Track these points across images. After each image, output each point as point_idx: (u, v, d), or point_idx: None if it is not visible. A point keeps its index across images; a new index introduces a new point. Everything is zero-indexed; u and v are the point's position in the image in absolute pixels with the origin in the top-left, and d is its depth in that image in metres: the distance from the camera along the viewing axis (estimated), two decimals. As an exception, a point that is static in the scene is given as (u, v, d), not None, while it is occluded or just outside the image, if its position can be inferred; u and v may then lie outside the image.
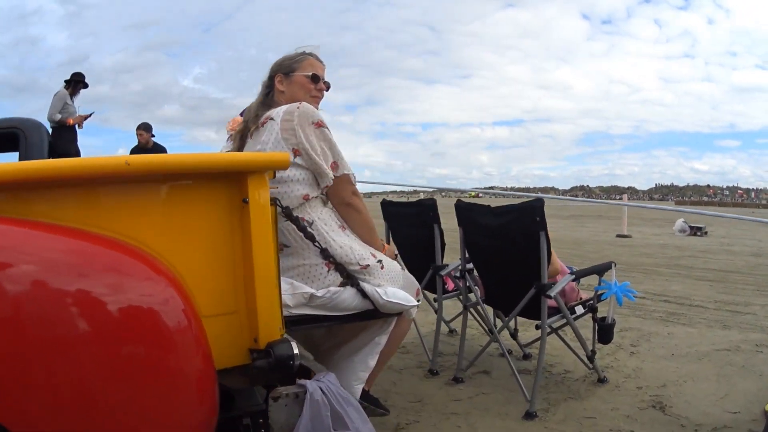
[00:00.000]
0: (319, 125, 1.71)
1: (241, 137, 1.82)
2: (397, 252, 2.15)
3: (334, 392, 1.35)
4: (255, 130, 1.78)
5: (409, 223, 2.99)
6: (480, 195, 48.49)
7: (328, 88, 1.95)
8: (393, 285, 1.74)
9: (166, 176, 1.38)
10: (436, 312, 2.83)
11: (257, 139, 1.74)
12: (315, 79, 1.89)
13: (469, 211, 2.45)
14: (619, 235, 10.92)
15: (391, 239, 3.12)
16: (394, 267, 1.80)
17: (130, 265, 1.25)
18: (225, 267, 1.42)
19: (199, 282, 1.40)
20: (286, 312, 1.56)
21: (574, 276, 2.23)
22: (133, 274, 1.26)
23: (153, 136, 5.84)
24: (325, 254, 1.66)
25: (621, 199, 14.00)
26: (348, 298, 1.68)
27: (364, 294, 1.68)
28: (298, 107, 1.71)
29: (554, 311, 2.27)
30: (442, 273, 2.69)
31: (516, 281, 2.29)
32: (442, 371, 2.67)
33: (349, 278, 1.68)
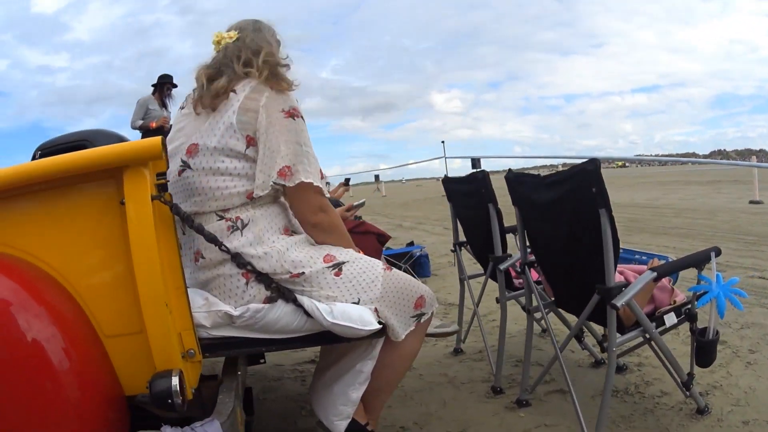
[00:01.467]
0: (291, 114, 1.39)
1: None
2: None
3: None
4: (214, 101, 1.41)
5: (466, 204, 2.52)
6: (626, 165, 46.32)
7: None
8: (356, 296, 1.38)
9: (37, 185, 1.23)
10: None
11: (213, 116, 1.40)
12: None
13: (520, 185, 1.90)
14: (752, 201, 9.66)
15: (458, 226, 2.65)
16: (368, 270, 1.43)
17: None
18: (120, 280, 1.23)
19: (95, 298, 1.25)
20: (204, 333, 1.33)
21: (654, 275, 1.57)
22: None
23: None
24: (240, 262, 1.34)
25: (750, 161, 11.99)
26: (281, 316, 1.35)
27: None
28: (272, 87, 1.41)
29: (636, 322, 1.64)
30: (502, 266, 2.15)
31: (578, 279, 1.72)
32: (512, 388, 2.15)
33: (279, 291, 1.36)
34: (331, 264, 1.40)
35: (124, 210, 1.19)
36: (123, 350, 1.24)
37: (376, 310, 1.39)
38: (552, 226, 1.77)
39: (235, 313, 1.32)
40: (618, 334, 1.58)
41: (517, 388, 2.10)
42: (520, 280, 2.25)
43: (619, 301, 1.50)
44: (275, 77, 1.44)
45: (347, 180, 8.82)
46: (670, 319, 1.69)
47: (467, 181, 2.41)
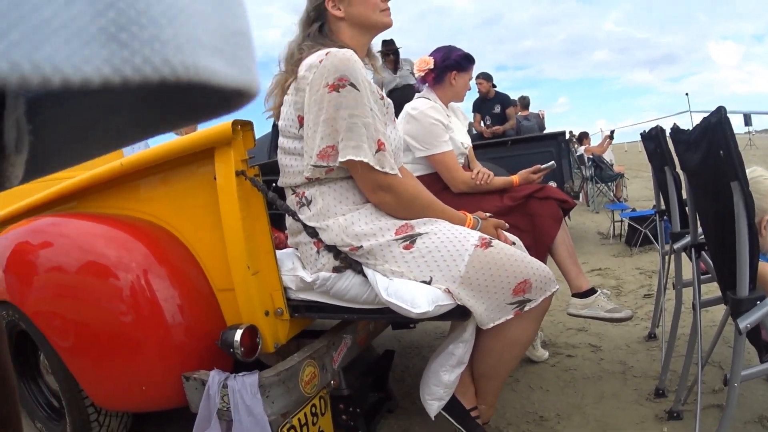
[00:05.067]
0: (336, 87, 1.31)
1: (281, 91, 1.50)
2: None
3: (237, 394, 1.28)
4: (293, 81, 1.44)
5: (657, 166, 2.12)
6: None
7: None
8: (428, 274, 1.32)
9: (158, 167, 1.61)
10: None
11: (288, 97, 1.46)
12: None
13: (678, 144, 1.55)
14: None
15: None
16: (451, 245, 1.32)
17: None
18: (221, 243, 1.51)
19: (207, 257, 1.59)
20: (293, 295, 1.50)
21: None
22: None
23: (494, 86, 5.80)
24: (310, 231, 1.42)
25: None
26: (350, 287, 1.39)
27: None
28: (327, 54, 1.35)
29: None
30: (676, 246, 1.80)
31: (729, 277, 1.30)
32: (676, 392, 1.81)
33: (347, 262, 1.39)
34: (402, 236, 1.36)
35: (214, 185, 1.46)
36: (227, 303, 1.53)
37: (448, 290, 1.30)
38: (703, 198, 1.42)
39: (309, 279, 1.42)
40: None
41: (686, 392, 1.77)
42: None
43: (744, 322, 1.14)
44: (324, 36, 1.46)
45: (612, 132, 8.18)
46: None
47: (649, 138, 2.06)
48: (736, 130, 1.80)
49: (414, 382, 2.18)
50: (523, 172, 2.11)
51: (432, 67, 2.14)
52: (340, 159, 1.32)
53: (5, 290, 1.85)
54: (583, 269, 1.94)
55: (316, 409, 1.50)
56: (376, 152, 1.35)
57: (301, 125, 1.41)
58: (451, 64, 2.13)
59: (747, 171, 1.12)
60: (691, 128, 1.49)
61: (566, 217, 2.09)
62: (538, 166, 2.12)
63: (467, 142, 2.18)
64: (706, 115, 1.22)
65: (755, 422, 1.64)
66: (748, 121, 6.87)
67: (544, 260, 1.77)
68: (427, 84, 2.18)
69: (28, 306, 1.75)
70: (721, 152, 1.13)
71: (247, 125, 1.45)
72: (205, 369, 1.43)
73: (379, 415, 1.79)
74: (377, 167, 1.34)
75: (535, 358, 2.27)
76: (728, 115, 1.16)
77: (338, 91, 1.31)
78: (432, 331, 2.81)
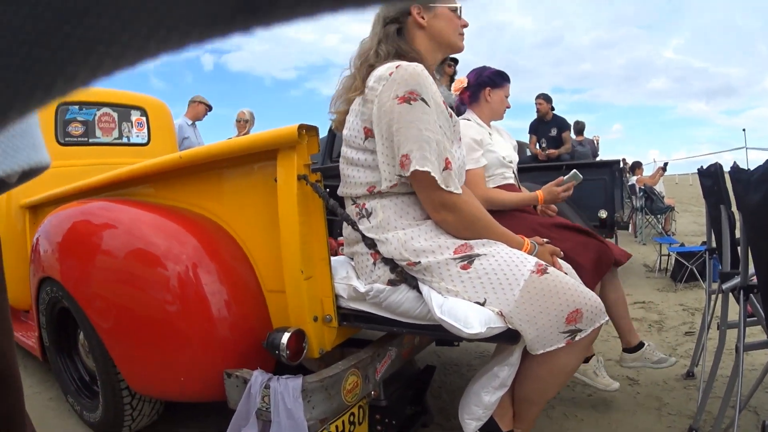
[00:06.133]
0: (407, 99, 1.32)
1: (347, 99, 1.50)
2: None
3: (278, 396, 1.30)
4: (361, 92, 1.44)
5: (713, 203, 2.09)
6: None
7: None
8: (483, 296, 1.31)
9: (218, 162, 1.63)
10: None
11: (355, 107, 1.46)
12: (457, 11, 1.53)
13: (737, 183, 1.52)
14: None
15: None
16: (508, 269, 1.32)
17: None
18: (275, 245, 1.52)
19: (259, 257, 1.61)
20: (343, 303, 1.51)
21: None
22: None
23: (552, 108, 5.75)
24: (370, 243, 1.43)
25: None
26: (403, 301, 1.40)
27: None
28: (397, 67, 1.36)
29: None
30: (725, 286, 1.80)
31: None
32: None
33: (403, 276, 1.39)
34: (460, 256, 1.35)
35: (275, 187, 1.48)
36: (275, 304, 1.56)
37: (500, 313, 1.30)
38: (762, 239, 1.41)
39: (362, 289, 1.42)
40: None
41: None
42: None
43: None
44: (402, 38, 1.46)
45: (665, 164, 8.14)
46: None
47: (706, 175, 2.05)
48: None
49: (450, 398, 2.21)
50: (547, 186, 2.04)
51: (466, 86, 2.17)
52: (416, 167, 1.30)
53: (52, 267, 1.90)
54: (628, 299, 1.93)
55: (355, 417, 1.51)
56: (443, 170, 1.35)
57: (366, 137, 1.42)
58: (484, 80, 2.14)
59: None
60: (747, 164, 1.48)
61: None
62: (561, 178, 2.04)
63: (510, 156, 2.16)
64: (763, 151, 1.21)
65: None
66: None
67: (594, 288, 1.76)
68: (466, 105, 2.20)
69: (72, 285, 1.79)
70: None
71: (312, 130, 1.46)
72: (247, 367, 1.45)
73: (414, 429, 1.80)
74: (442, 185, 1.34)
75: (602, 387, 2.15)
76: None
77: (410, 104, 1.32)
78: (473, 350, 2.82)
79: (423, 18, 1.48)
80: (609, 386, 2.16)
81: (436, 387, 2.34)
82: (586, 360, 2.07)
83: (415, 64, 1.38)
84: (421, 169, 1.31)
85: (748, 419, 1.95)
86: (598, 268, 1.80)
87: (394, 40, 1.47)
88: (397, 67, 1.36)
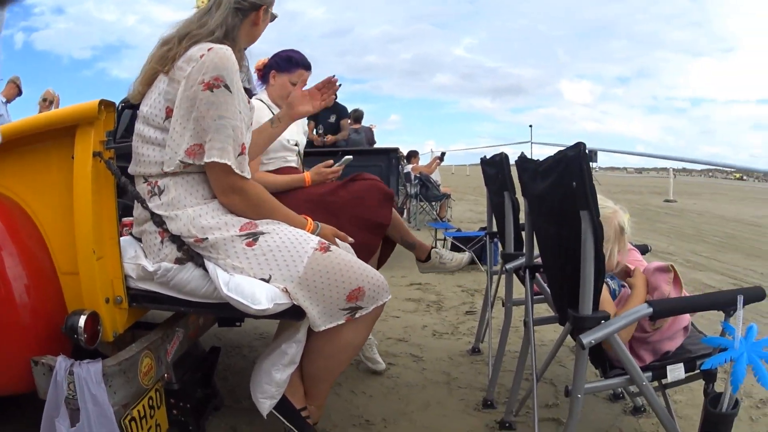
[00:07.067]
0: (210, 86, 1.35)
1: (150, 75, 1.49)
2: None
3: (83, 382, 1.25)
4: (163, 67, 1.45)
5: (493, 190, 2.41)
6: (744, 178, 40.59)
7: None
8: (268, 272, 1.37)
9: (18, 140, 1.48)
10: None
11: (159, 85, 1.45)
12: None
13: (523, 172, 1.71)
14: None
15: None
16: (292, 246, 1.39)
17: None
18: (71, 225, 1.43)
19: (55, 236, 1.48)
20: (132, 284, 1.48)
21: (650, 311, 1.27)
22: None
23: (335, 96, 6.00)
24: (157, 221, 1.43)
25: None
26: (190, 280, 1.41)
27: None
28: (209, 50, 1.39)
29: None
30: (508, 266, 2.05)
31: (568, 296, 1.42)
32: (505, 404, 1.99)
33: (189, 254, 1.41)
34: (245, 233, 1.41)
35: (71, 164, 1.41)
36: (69, 286, 1.46)
37: (285, 290, 1.36)
38: (546, 223, 1.59)
39: (150, 268, 1.42)
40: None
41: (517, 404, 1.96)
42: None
43: (588, 338, 1.25)
44: (226, 37, 1.47)
45: (442, 154, 8.82)
46: (676, 372, 1.36)
47: (491, 164, 2.30)
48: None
49: (237, 380, 2.22)
50: (315, 167, 2.13)
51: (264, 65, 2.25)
52: (206, 159, 1.36)
53: None
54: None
55: (153, 401, 1.49)
56: (238, 155, 1.40)
57: (167, 117, 1.41)
58: (271, 63, 2.23)
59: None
60: (531, 157, 1.68)
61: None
62: (331, 161, 2.15)
63: (296, 139, 2.22)
64: (546, 146, 1.37)
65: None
66: (593, 157, 7.84)
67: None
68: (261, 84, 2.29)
69: None
70: (574, 183, 1.24)
71: (110, 106, 1.43)
72: (50, 354, 1.35)
73: (207, 412, 1.80)
74: (237, 171, 1.39)
75: (375, 367, 2.34)
76: (550, 145, 1.30)
77: (212, 91, 1.36)
78: (251, 331, 2.83)
79: (260, 19, 1.56)
80: (379, 367, 2.34)
81: (221, 369, 2.32)
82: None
83: (225, 47, 1.41)
84: (219, 161, 1.36)
85: (544, 389, 2.15)
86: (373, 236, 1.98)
87: (236, 26, 1.50)
88: (209, 49, 1.39)
